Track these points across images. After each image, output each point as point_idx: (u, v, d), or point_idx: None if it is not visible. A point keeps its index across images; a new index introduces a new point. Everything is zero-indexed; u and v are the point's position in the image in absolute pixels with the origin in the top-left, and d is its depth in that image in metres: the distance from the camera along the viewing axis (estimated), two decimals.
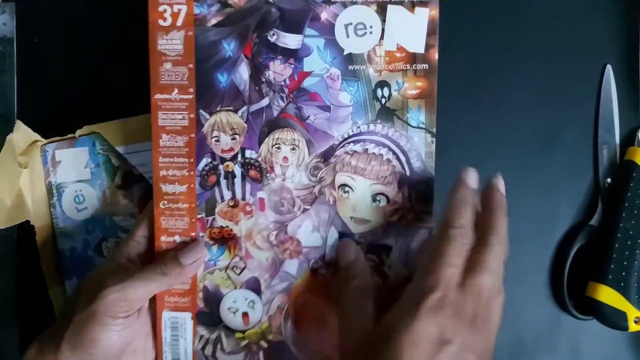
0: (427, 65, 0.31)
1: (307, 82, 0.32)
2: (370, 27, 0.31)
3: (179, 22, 0.31)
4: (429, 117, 0.31)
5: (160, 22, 0.31)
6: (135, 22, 0.39)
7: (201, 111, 0.32)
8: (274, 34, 0.31)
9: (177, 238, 0.32)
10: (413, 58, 0.31)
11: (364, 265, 0.31)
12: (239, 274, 0.33)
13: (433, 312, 0.24)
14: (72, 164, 0.37)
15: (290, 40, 0.31)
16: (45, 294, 0.37)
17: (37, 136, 0.36)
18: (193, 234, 0.32)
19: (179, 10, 0.31)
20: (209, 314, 0.33)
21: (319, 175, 0.32)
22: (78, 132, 0.36)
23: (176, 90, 0.32)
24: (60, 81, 0.38)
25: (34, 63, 0.39)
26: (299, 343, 0.33)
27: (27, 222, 0.37)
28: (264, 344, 0.33)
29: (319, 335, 0.32)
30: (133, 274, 0.30)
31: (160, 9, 0.31)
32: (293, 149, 0.32)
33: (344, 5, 0.31)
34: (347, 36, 0.31)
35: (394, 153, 0.32)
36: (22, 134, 0.36)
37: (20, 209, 0.37)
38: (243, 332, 0.33)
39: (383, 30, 0.31)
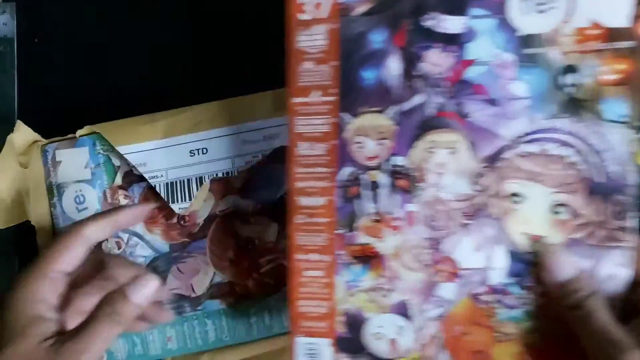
0: (633, 43, 0.25)
1: (471, 73, 0.27)
2: (554, 0, 0.25)
3: (323, 14, 0.28)
4: (634, 109, 0.25)
5: (300, 15, 0.28)
6: (135, 21, 0.38)
7: (342, 114, 0.28)
8: (431, 18, 0.27)
9: (315, 256, 0.29)
10: (612, 34, 0.25)
11: (589, 277, 0.26)
12: (385, 296, 0.29)
13: None
14: (73, 164, 0.36)
15: (451, 24, 0.27)
16: None
17: (37, 136, 0.36)
18: (331, 251, 0.29)
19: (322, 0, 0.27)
20: (350, 340, 0.30)
21: (482, 183, 0.27)
22: (78, 132, 0.36)
23: (317, 92, 0.28)
24: (60, 81, 0.38)
25: (34, 63, 0.38)
26: None
27: (27, 222, 0.36)
28: None
29: None
30: (84, 330, 0.25)
31: (299, 0, 0.28)
32: (451, 152, 0.27)
33: None
34: (524, 14, 0.26)
35: (582, 154, 0.26)
36: (22, 134, 0.36)
37: (21, 209, 0.37)
38: None
39: (571, 2, 0.25)
